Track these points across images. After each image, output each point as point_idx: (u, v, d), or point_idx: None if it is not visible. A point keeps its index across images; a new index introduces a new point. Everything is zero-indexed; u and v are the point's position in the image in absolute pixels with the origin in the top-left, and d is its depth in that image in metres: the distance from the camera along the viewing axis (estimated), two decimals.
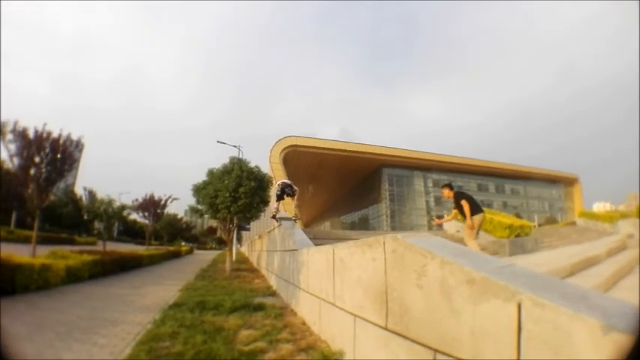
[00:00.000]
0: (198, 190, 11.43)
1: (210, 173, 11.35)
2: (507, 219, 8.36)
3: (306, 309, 4.67)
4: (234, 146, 21.46)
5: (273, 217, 8.85)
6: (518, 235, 7.07)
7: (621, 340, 0.85)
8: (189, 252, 34.05)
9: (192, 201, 12.14)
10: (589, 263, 5.54)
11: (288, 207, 13.16)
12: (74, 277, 8.49)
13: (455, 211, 7.10)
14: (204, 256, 28.38)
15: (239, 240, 27.68)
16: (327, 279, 3.69)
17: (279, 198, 8.92)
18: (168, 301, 6.40)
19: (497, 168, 49.52)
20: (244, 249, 27.74)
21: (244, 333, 4.24)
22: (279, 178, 30.29)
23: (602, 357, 1.02)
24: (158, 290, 8.17)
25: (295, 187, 8.81)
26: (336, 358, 3.21)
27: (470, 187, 47.36)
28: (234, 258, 15.28)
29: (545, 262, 5.45)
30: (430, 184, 45.80)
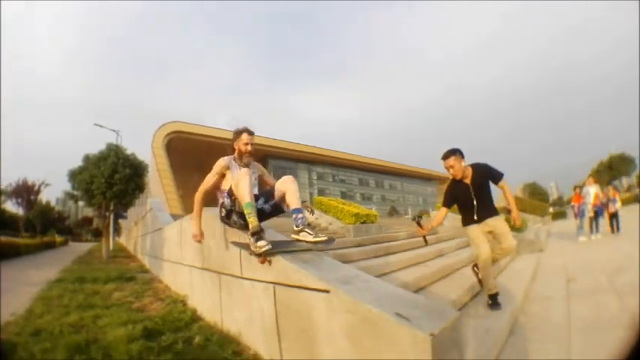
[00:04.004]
0: (74, 176, 11.37)
1: (87, 159, 11.37)
2: (355, 209, 10.01)
3: (168, 274, 5.86)
4: (113, 130, 20.65)
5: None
6: (364, 222, 8.54)
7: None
8: (64, 243, 31.38)
9: (63, 188, 12.00)
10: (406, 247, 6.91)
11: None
12: None
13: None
14: (80, 247, 26.75)
15: (117, 231, 26.38)
16: (177, 245, 4.99)
17: None
18: (51, 279, 7.17)
19: (377, 165, 54.60)
20: (122, 240, 26.66)
21: (117, 294, 5.42)
22: (161, 164, 29.27)
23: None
24: (40, 273, 8.50)
25: None
26: (181, 300, 4.52)
27: (352, 182, 51.71)
28: (111, 247, 15.20)
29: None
30: (315, 177, 47.82)
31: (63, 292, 5.49)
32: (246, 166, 3.10)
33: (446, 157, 3.57)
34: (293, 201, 2.79)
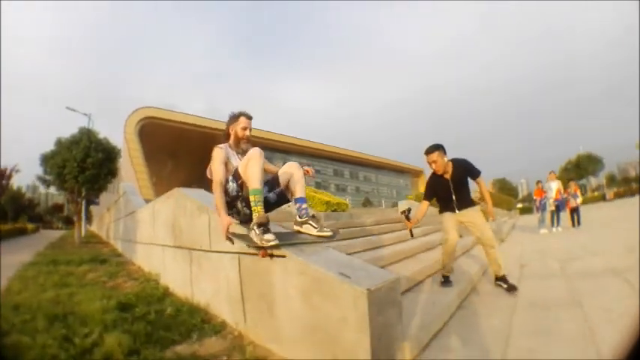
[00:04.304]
0: (47, 160, 11.20)
1: (59, 143, 11.20)
2: (327, 197, 10.07)
3: (141, 256, 5.96)
4: (85, 114, 20.08)
5: None
6: (334, 210, 8.90)
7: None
8: (35, 231, 30.50)
9: (34, 174, 11.80)
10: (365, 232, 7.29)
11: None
12: None
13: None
14: (52, 234, 26.19)
15: (88, 219, 25.73)
16: (150, 226, 5.12)
17: None
18: (26, 261, 7.29)
19: (352, 156, 54.95)
20: (94, 228, 26.12)
21: (91, 275, 5.55)
22: (133, 150, 28.64)
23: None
24: (14, 257, 8.48)
25: None
26: (154, 278, 4.67)
27: (326, 172, 51.91)
28: (82, 234, 15.02)
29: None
30: None
31: (38, 273, 5.61)
32: (244, 153, 2.72)
33: (430, 152, 3.71)
34: (298, 189, 2.63)
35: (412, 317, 2.53)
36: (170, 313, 3.20)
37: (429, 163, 3.76)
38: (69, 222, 43.70)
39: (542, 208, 10.60)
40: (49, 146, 11.39)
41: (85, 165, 10.61)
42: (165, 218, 4.31)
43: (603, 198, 37.57)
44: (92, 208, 24.56)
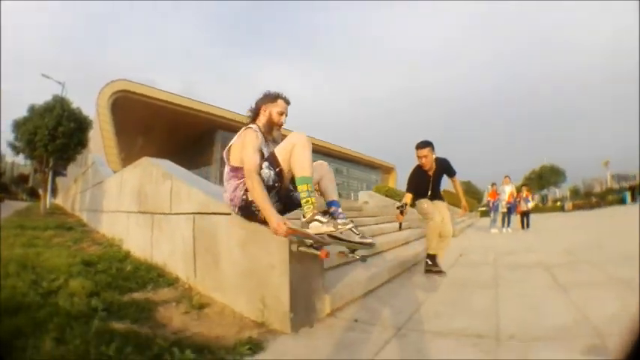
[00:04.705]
0: (18, 126, 11.07)
1: (32, 109, 11.08)
2: None
3: (106, 224, 6.17)
4: (59, 82, 19.62)
5: None
6: None
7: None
8: (0, 200, 29.47)
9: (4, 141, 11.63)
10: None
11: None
12: None
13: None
14: (17, 205, 25.47)
15: (54, 192, 25.00)
16: (117, 195, 5.38)
17: None
18: None
19: (324, 147, 52.84)
20: (59, 201, 25.49)
21: (57, 239, 5.74)
22: (104, 123, 27.85)
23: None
24: None
25: None
26: (117, 244, 4.93)
27: None
28: (47, 206, 14.86)
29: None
30: None
31: (6, 235, 5.71)
32: (275, 141, 2.48)
33: (422, 147, 4.03)
34: (331, 191, 2.42)
35: (339, 280, 2.91)
36: (129, 270, 3.51)
37: (419, 157, 4.08)
38: (33, 194, 42.35)
39: (495, 209, 11.31)
40: (22, 113, 11.27)
41: (56, 134, 10.52)
42: (132, 186, 4.58)
43: (562, 209, 39.56)
44: (58, 180, 23.96)
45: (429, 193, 4.18)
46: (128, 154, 26.07)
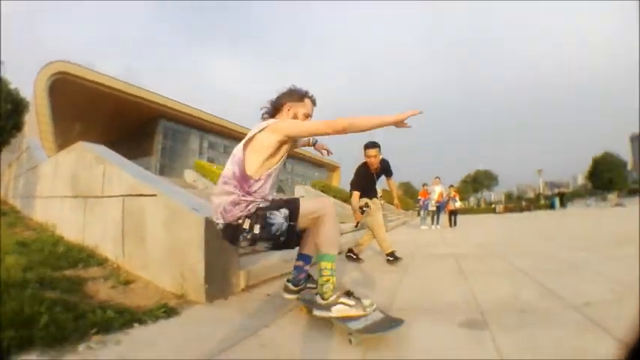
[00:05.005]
0: None
1: None
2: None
3: (40, 210, 6.02)
4: None
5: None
6: None
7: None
8: None
9: None
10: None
11: None
12: None
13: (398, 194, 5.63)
14: None
15: None
16: (51, 179, 5.32)
17: None
18: None
19: None
20: None
21: None
22: (40, 106, 25.94)
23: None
24: None
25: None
26: (50, 229, 4.90)
27: None
28: None
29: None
30: (205, 145, 43.73)
31: None
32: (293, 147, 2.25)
33: (373, 147, 4.33)
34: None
35: (256, 262, 3.16)
36: (62, 252, 3.58)
37: (369, 157, 4.37)
38: None
39: (425, 207, 12.11)
40: None
41: None
42: (66, 171, 4.59)
43: (494, 211, 43.17)
44: None
45: (369, 189, 4.56)
46: (66, 140, 24.22)
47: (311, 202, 2.06)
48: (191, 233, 2.41)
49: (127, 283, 2.74)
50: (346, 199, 10.74)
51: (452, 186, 12.84)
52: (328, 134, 1.89)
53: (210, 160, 36.07)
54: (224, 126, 42.97)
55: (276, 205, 1.94)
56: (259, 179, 1.93)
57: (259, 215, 1.88)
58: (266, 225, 1.87)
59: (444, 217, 12.49)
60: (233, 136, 47.06)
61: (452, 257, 4.72)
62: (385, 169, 4.66)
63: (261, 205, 1.91)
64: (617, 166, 72.70)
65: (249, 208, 1.89)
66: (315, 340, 1.85)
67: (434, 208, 11.80)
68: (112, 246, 3.28)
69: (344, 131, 1.82)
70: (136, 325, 1.94)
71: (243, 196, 1.90)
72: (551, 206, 41.79)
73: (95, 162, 3.73)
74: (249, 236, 1.89)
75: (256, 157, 1.94)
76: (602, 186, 72.41)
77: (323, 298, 1.91)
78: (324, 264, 1.92)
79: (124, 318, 1.95)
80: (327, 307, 1.88)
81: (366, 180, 4.54)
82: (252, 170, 1.93)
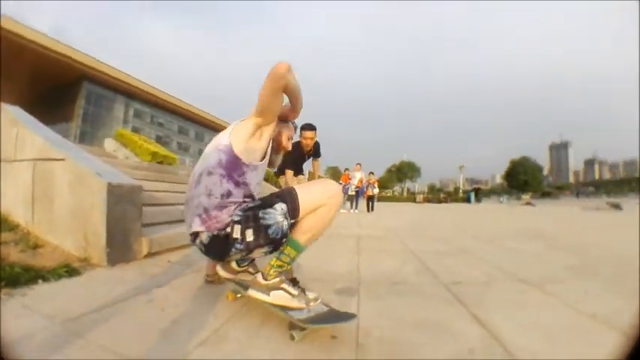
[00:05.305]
0: None
1: None
2: (154, 148, 9.93)
3: None
4: None
5: None
6: (160, 162, 8.89)
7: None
8: None
9: None
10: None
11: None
12: None
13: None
14: None
15: None
16: None
17: None
18: None
19: (201, 116, 47.80)
20: None
21: None
22: None
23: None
24: None
25: None
26: None
27: (171, 128, 45.58)
28: None
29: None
30: (131, 113, 39.75)
31: None
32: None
33: (311, 129, 4.44)
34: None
35: (161, 231, 3.23)
36: None
37: (306, 138, 4.49)
38: None
39: (345, 191, 12.50)
40: None
41: None
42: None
43: (414, 200, 46.07)
44: None
45: (299, 168, 4.85)
46: None
47: (313, 190, 1.69)
48: (94, 198, 2.46)
49: (35, 247, 2.74)
50: (269, 179, 10.96)
51: (372, 173, 13.29)
52: (276, 88, 1.51)
53: (135, 130, 32.62)
54: (151, 93, 38.96)
55: (268, 201, 1.63)
56: (250, 164, 1.64)
57: (250, 217, 1.57)
58: (261, 227, 1.56)
59: (362, 202, 13.02)
60: (160, 105, 41.82)
61: (356, 238, 4.97)
62: (316, 151, 4.90)
63: (250, 205, 1.62)
64: (533, 170, 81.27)
65: (238, 209, 1.60)
66: (205, 302, 1.97)
67: (353, 193, 12.25)
68: (23, 210, 3.21)
69: (283, 79, 1.48)
70: (40, 281, 2.08)
71: (231, 190, 1.61)
72: (467, 200, 44.89)
73: (10, 124, 3.59)
74: (241, 247, 1.58)
75: (243, 139, 1.63)
76: (517, 186, 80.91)
77: (264, 278, 1.69)
78: (289, 250, 1.67)
79: (29, 275, 2.09)
80: (266, 290, 1.67)
81: (298, 161, 4.81)
82: (243, 152, 1.62)
